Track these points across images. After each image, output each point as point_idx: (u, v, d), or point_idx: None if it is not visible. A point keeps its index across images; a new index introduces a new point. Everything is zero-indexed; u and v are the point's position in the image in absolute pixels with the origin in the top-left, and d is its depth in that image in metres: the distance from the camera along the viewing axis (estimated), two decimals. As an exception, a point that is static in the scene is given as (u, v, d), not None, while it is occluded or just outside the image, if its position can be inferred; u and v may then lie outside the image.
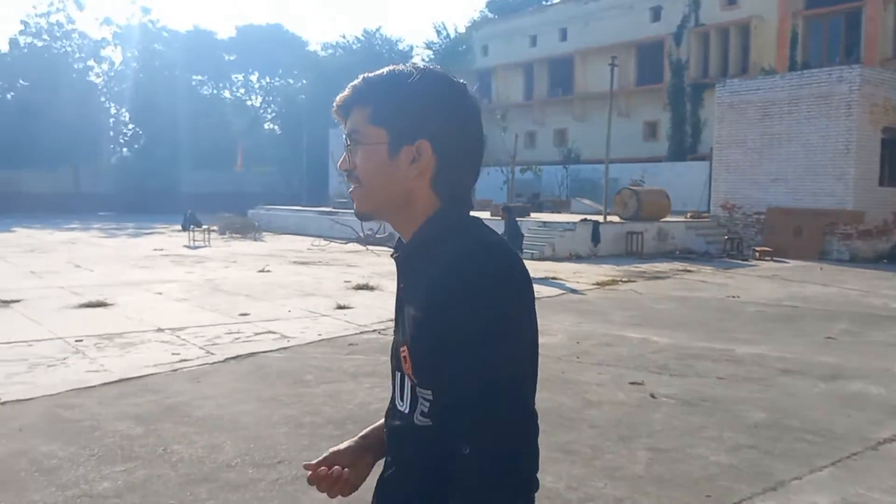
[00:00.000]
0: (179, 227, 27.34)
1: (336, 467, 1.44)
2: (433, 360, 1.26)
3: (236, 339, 8.50)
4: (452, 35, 53.08)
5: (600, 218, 21.79)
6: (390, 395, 1.46)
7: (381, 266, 16.10)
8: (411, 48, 56.27)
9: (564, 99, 43.00)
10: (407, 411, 1.35)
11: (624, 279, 14.96)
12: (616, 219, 22.09)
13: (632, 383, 6.64)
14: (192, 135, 48.30)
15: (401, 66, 1.37)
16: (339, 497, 1.48)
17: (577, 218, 22.46)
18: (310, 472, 1.44)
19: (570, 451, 4.86)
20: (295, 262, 17.74)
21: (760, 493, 4.26)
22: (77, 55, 50.93)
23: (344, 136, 1.39)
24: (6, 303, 10.63)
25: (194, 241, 23.86)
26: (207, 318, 9.83)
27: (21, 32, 50.07)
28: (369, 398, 5.83)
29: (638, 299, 12.25)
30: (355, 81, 1.37)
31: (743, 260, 19.85)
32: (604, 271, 16.40)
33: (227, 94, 60.57)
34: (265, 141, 56.95)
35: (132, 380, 6.56)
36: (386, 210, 1.37)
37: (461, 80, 1.38)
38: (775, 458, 4.80)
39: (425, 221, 1.34)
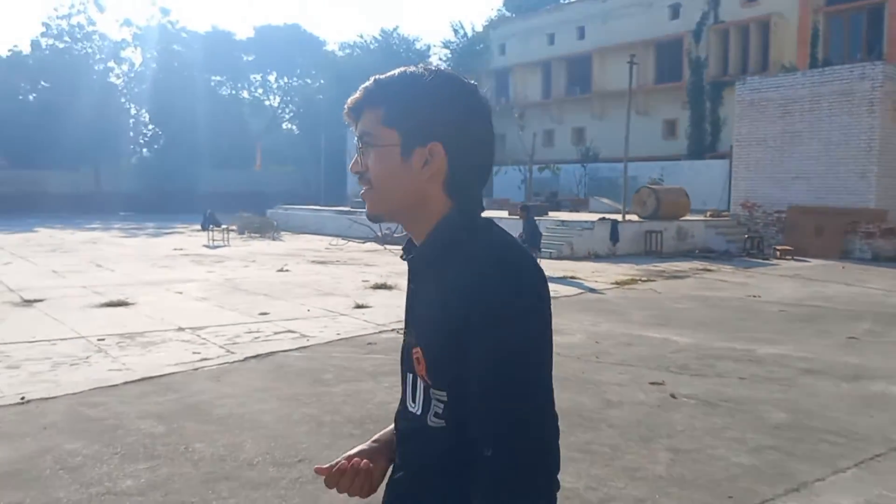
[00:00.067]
0: (199, 227, 27.52)
1: (356, 458, 1.44)
2: (451, 362, 1.26)
3: (256, 338, 8.55)
4: (470, 34, 53.09)
5: (619, 217, 21.70)
6: (400, 397, 1.45)
7: (398, 265, 16.12)
8: (429, 47, 56.39)
9: (582, 97, 42.86)
10: (419, 413, 1.35)
11: (643, 278, 14.88)
12: (635, 218, 21.99)
13: (652, 383, 6.61)
14: (211, 135, 48.62)
15: (412, 68, 1.37)
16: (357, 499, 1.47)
17: (595, 217, 22.38)
18: (324, 475, 1.42)
19: (590, 451, 4.85)
20: (313, 262, 17.82)
21: (783, 494, 4.22)
22: (97, 56, 51.37)
23: (355, 139, 1.38)
24: (29, 302, 10.75)
25: (213, 240, 24.02)
26: (227, 317, 9.90)
27: (42, 34, 50.57)
28: (388, 397, 5.84)
29: (657, 299, 12.19)
30: (366, 83, 1.37)
31: (763, 259, 19.69)
32: (622, 270, 16.32)
33: (245, 94, 60.89)
34: (283, 141, 57.24)
35: (154, 378, 6.62)
36: (398, 212, 1.37)
37: (472, 81, 1.38)
38: (798, 459, 4.76)
39: (438, 223, 1.34)
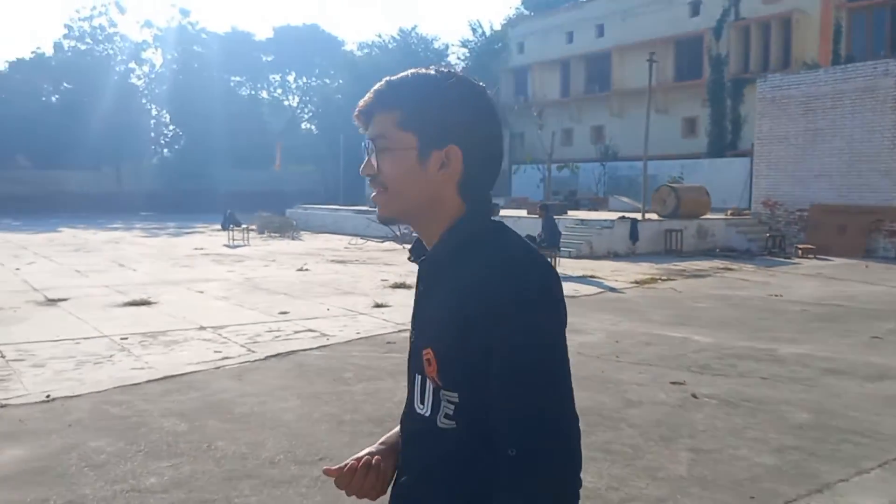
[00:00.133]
0: (219, 227, 27.71)
1: (366, 456, 1.44)
2: (463, 363, 1.26)
3: (276, 337, 8.60)
4: (488, 33, 53.06)
5: (638, 215, 21.59)
6: (406, 399, 1.45)
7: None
8: (447, 47, 56.45)
9: (601, 95, 42.71)
10: (428, 414, 1.34)
11: (663, 277, 14.81)
12: (654, 216, 21.87)
13: (673, 383, 6.58)
14: (231, 135, 48.98)
15: (424, 70, 1.37)
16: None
17: (614, 216, 22.28)
18: (333, 476, 1.42)
19: (611, 450, 4.84)
20: (332, 261, 17.89)
21: (806, 494, 4.19)
22: (119, 58, 51.91)
23: (365, 141, 1.37)
24: (53, 301, 10.88)
25: (234, 240, 24.18)
26: (248, 316, 9.96)
27: (65, 36, 51.23)
28: (408, 396, 5.85)
29: (678, 298, 12.12)
30: (378, 85, 1.36)
31: (785, 258, 19.52)
32: (642, 269, 16.25)
33: (264, 94, 61.27)
34: (302, 141, 57.50)
35: (176, 377, 6.68)
36: (412, 214, 1.37)
37: (481, 83, 1.38)
38: (821, 460, 4.72)
39: (452, 225, 1.34)
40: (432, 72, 1.36)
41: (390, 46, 54.49)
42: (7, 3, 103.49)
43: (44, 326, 8.98)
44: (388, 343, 8.20)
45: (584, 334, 8.77)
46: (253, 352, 7.76)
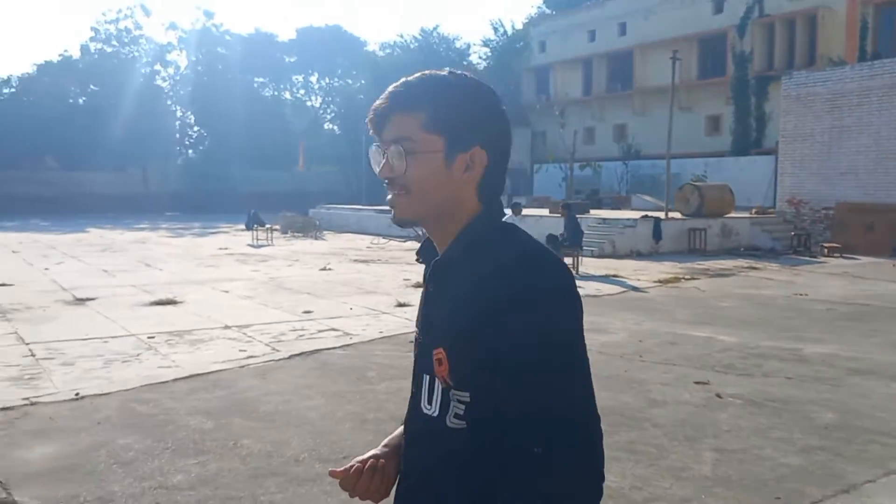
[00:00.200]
0: (243, 227, 27.93)
1: (371, 459, 1.45)
2: (476, 361, 1.26)
3: (300, 336, 8.67)
4: (510, 32, 52.99)
5: (661, 214, 21.47)
6: (410, 400, 1.46)
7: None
8: (468, 46, 56.45)
9: (624, 94, 42.51)
10: (436, 415, 1.34)
11: (687, 276, 14.72)
12: (678, 215, 21.73)
13: (697, 382, 6.55)
14: (254, 136, 49.32)
15: (437, 72, 1.37)
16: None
17: (637, 214, 22.18)
18: (339, 478, 1.43)
19: (634, 450, 4.83)
20: (355, 261, 17.97)
21: (832, 495, 4.16)
22: (144, 60, 52.42)
23: (378, 143, 1.36)
24: (82, 301, 11.04)
25: (257, 239, 24.36)
26: (272, 315, 10.05)
27: (92, 39, 51.83)
28: (431, 395, 5.87)
29: (701, 297, 12.05)
30: (395, 87, 1.34)
31: (811, 257, 19.32)
32: (666, 268, 16.16)
33: (287, 95, 61.58)
34: (325, 141, 57.73)
35: (202, 375, 6.75)
36: (432, 216, 1.36)
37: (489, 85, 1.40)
38: (847, 460, 4.68)
39: (467, 225, 1.35)
40: (445, 73, 1.36)
41: (412, 46, 54.59)
42: (35, 7, 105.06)
43: (73, 325, 9.12)
44: (411, 342, 8.20)
45: (606, 334, 8.75)
46: (277, 351, 7.83)
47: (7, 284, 12.68)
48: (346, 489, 1.44)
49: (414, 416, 1.42)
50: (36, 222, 34.34)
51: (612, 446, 4.75)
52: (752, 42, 35.63)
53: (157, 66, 53.43)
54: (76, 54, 51.45)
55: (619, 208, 28.72)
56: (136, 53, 52.34)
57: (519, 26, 52.86)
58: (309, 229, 28.12)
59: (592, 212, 24.52)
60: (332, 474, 1.44)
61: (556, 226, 17.43)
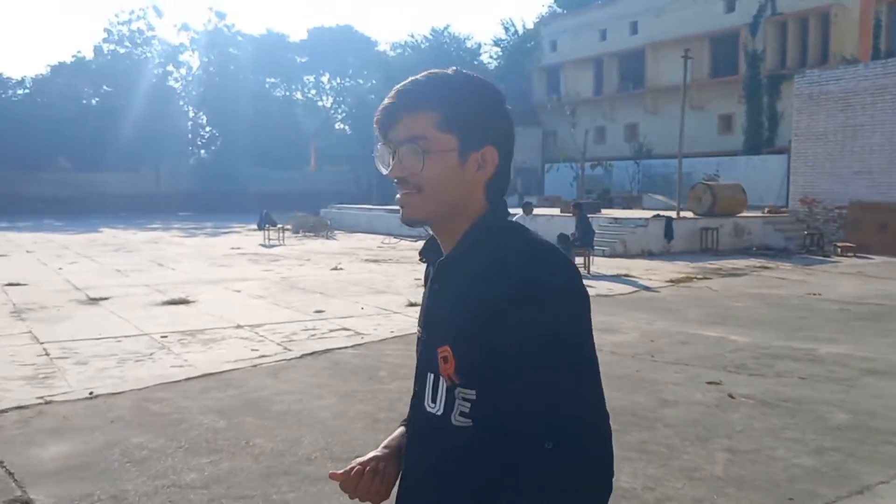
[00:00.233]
0: (255, 227, 28.03)
1: (372, 461, 1.46)
2: (484, 357, 1.26)
3: (312, 335, 8.69)
4: (521, 31, 52.91)
5: (673, 214, 21.40)
6: (412, 400, 1.45)
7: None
8: (479, 46, 56.35)
9: (635, 93, 42.39)
10: (440, 413, 1.34)
11: (699, 276, 14.67)
12: (690, 214, 21.66)
13: (709, 383, 6.52)
14: (266, 136, 49.53)
15: (443, 71, 1.37)
16: None
17: (649, 214, 22.12)
18: (339, 480, 1.43)
19: (646, 450, 4.82)
20: (366, 260, 18.00)
21: (845, 496, 4.14)
22: (157, 60, 52.71)
23: (384, 143, 1.35)
24: (95, 300, 11.11)
25: (269, 239, 24.44)
26: (284, 315, 10.08)
27: (105, 40, 52.15)
28: (443, 395, 5.88)
29: (714, 297, 12.00)
30: (404, 86, 1.34)
31: (824, 256, 19.21)
32: (677, 268, 16.11)
33: (298, 95, 61.74)
34: (336, 141, 57.86)
35: (214, 375, 6.79)
36: (441, 216, 1.35)
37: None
38: (860, 461, 4.66)
39: (474, 223, 1.35)
40: (453, 72, 1.36)
41: (423, 46, 54.58)
42: (49, 9, 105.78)
43: (86, 325, 9.19)
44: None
45: (618, 333, 8.73)
46: (289, 350, 7.86)
47: (21, 284, 12.78)
48: (346, 491, 1.44)
49: (417, 414, 1.42)
50: (50, 222, 34.59)
51: (624, 446, 4.74)
52: (764, 40, 35.46)
53: (170, 67, 53.72)
54: (89, 55, 51.82)
55: (630, 208, 28.66)
56: (149, 54, 52.64)
57: (530, 26, 52.80)
58: (320, 229, 28.19)
59: (604, 211, 24.47)
60: (333, 476, 1.44)
61: (568, 225, 17.40)
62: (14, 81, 49.46)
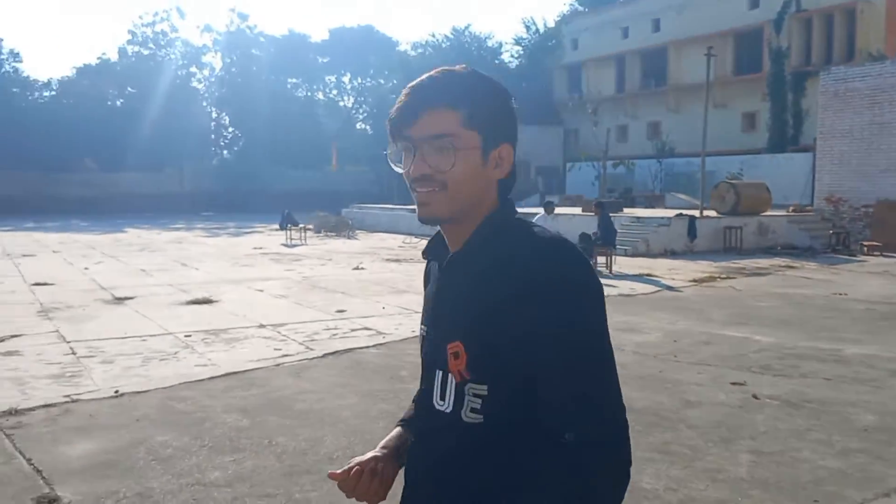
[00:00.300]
0: (277, 226, 28.20)
1: (370, 462, 1.46)
2: (497, 352, 1.26)
3: (334, 335, 8.73)
4: (542, 30, 52.78)
5: (696, 212, 21.24)
6: (418, 397, 1.45)
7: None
8: (500, 45, 56.34)
9: (657, 91, 42.12)
10: (450, 410, 1.33)
11: (722, 275, 14.55)
12: (713, 213, 21.49)
13: (733, 383, 6.47)
14: (288, 136, 49.82)
15: (455, 68, 1.36)
16: None
17: (671, 213, 21.97)
18: (338, 480, 1.43)
19: (669, 451, 4.79)
20: (387, 260, 18.04)
21: (872, 499, 4.09)
22: (180, 62, 53.22)
23: (402, 140, 1.33)
24: (120, 300, 11.24)
25: (291, 239, 24.57)
26: (306, 314, 10.13)
27: (129, 42, 52.77)
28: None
29: (737, 296, 11.90)
30: (423, 83, 1.33)
31: (850, 255, 18.97)
32: (701, 267, 15.99)
33: (320, 95, 62.05)
34: (357, 141, 58.07)
35: (238, 374, 6.84)
36: (461, 214, 1.34)
37: None
38: (887, 463, 4.59)
39: (485, 219, 1.36)
40: (464, 70, 1.36)
41: (444, 46, 54.65)
42: (74, 11, 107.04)
43: (112, 324, 9.29)
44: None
45: (641, 333, 8.68)
46: (311, 349, 7.90)
47: (49, 284, 12.95)
48: (344, 490, 1.44)
49: (425, 412, 1.42)
50: (76, 223, 35.02)
51: (647, 447, 4.71)
52: (788, 37, 35.08)
53: (193, 68, 54.23)
54: (114, 57, 52.47)
55: (652, 207, 28.49)
56: (172, 56, 53.19)
57: (551, 24, 52.69)
58: (342, 229, 28.30)
59: (626, 210, 24.35)
60: (332, 476, 1.44)
61: (590, 224, 17.33)
62: (40, 84, 50.23)
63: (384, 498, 1.47)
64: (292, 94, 56.66)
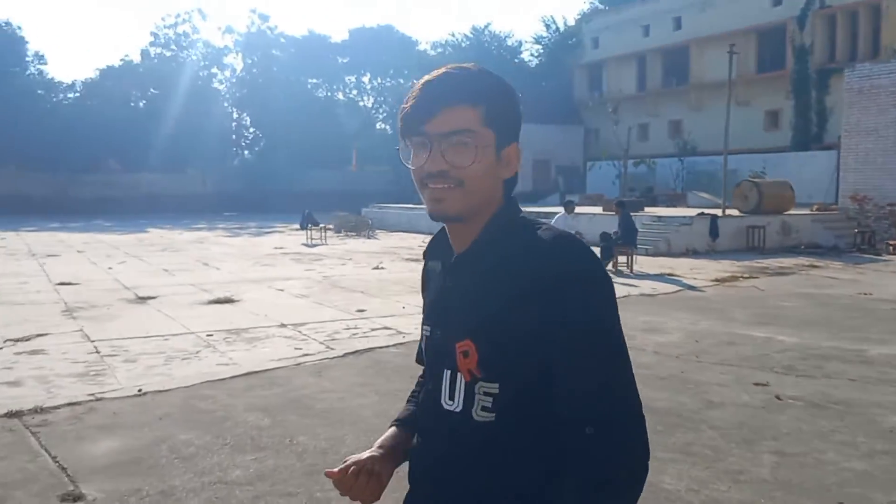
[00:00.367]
0: (298, 226, 28.33)
1: (368, 462, 1.46)
2: (510, 349, 1.26)
3: (354, 334, 8.76)
4: (562, 28, 52.58)
5: (718, 212, 21.08)
6: (424, 397, 1.45)
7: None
8: (520, 43, 56.15)
9: (679, 89, 41.81)
10: (459, 409, 1.33)
11: (745, 275, 14.42)
12: (735, 212, 21.31)
13: (756, 384, 6.41)
14: (308, 136, 50.03)
15: (468, 66, 1.37)
16: None
17: (693, 212, 21.82)
18: (335, 478, 1.43)
19: (691, 452, 4.75)
20: (407, 259, 18.06)
21: (898, 501, 4.04)
22: (202, 63, 53.62)
23: (418, 136, 1.32)
24: (143, 299, 11.34)
25: (311, 239, 24.67)
26: (326, 314, 10.17)
27: (151, 43, 53.25)
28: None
29: (760, 296, 11.79)
30: (439, 80, 1.33)
31: (875, 255, 18.74)
32: (723, 267, 15.86)
33: (340, 95, 62.24)
34: (377, 141, 58.19)
35: (259, 373, 6.88)
36: (474, 212, 1.34)
37: None
38: (915, 466, 4.53)
39: (492, 217, 1.36)
40: (476, 68, 1.36)
41: (463, 45, 54.63)
42: (98, 13, 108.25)
43: (135, 323, 9.38)
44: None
45: (662, 333, 8.62)
46: (331, 349, 7.93)
47: (73, 283, 13.10)
48: (340, 489, 1.44)
49: (430, 413, 1.41)
50: (99, 223, 35.39)
51: (669, 448, 4.68)
52: (812, 34, 34.69)
53: (214, 69, 54.64)
54: (137, 59, 52.91)
55: (674, 206, 28.31)
56: (194, 57, 53.59)
57: (571, 23, 52.46)
58: (362, 228, 28.38)
59: (647, 209, 24.21)
60: (329, 475, 1.44)
61: (610, 224, 17.24)
62: (65, 86, 50.83)
63: (378, 498, 1.46)
64: (312, 95, 56.89)
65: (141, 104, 50.78)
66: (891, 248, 19.08)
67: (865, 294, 11.91)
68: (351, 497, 1.44)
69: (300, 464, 4.60)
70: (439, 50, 57.36)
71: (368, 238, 26.42)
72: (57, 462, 4.61)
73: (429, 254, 1.50)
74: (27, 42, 49.66)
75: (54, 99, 49.34)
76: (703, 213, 20.66)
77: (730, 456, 4.71)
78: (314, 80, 58.25)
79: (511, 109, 1.35)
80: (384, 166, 55.43)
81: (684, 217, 20.42)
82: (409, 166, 1.36)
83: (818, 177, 28.78)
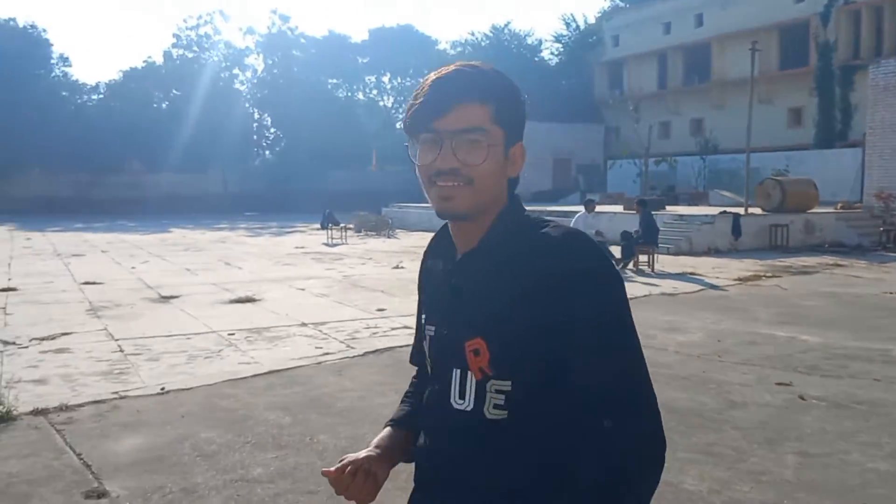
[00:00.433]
0: (318, 226, 28.45)
1: (365, 462, 1.45)
2: (522, 346, 1.26)
3: (374, 333, 8.78)
4: (582, 27, 52.38)
5: (741, 210, 20.90)
6: (431, 396, 1.44)
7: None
8: (540, 42, 56.01)
9: (700, 87, 41.52)
10: (471, 408, 1.33)
11: (768, 274, 14.29)
12: (758, 211, 21.13)
13: (779, 384, 6.35)
14: (329, 136, 50.20)
15: (475, 64, 1.37)
16: None
17: (715, 210, 21.66)
18: (331, 477, 1.42)
19: (713, 452, 4.72)
20: (428, 259, 18.06)
21: (924, 503, 3.98)
22: (223, 64, 53.99)
23: (428, 133, 1.31)
24: (166, 298, 11.45)
25: (332, 238, 24.77)
26: (347, 313, 10.21)
27: (174, 45, 53.69)
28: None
29: (783, 295, 11.67)
30: (450, 77, 1.32)
31: (901, 253, 18.49)
32: (745, 266, 15.72)
33: (360, 95, 62.41)
34: (397, 140, 58.20)
35: (280, 372, 6.92)
36: (482, 210, 1.34)
37: None
38: (941, 467, 4.47)
39: (499, 215, 1.36)
40: (484, 66, 1.37)
41: (483, 44, 54.58)
42: (121, 15, 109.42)
43: (158, 322, 9.47)
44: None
45: (684, 333, 8.57)
46: (352, 348, 7.95)
47: (97, 283, 13.25)
48: (336, 488, 1.43)
49: (439, 412, 1.40)
50: (123, 223, 35.75)
51: (691, 448, 4.65)
52: (836, 30, 34.30)
53: (235, 70, 54.98)
54: (159, 60, 53.38)
55: (696, 204, 28.12)
56: (216, 58, 53.95)
57: (591, 21, 52.27)
58: (382, 228, 28.45)
59: (668, 208, 24.07)
60: (325, 474, 1.43)
61: (631, 222, 17.15)
62: (89, 87, 51.43)
63: (374, 498, 1.45)
64: (333, 95, 57.09)
65: (163, 105, 51.25)
66: (917, 246, 18.85)
67: (891, 293, 11.76)
68: (347, 496, 1.43)
69: (321, 462, 4.62)
70: (459, 49, 57.36)
71: (388, 237, 26.48)
72: (81, 459, 4.66)
73: (430, 252, 1.50)
74: (52, 45, 50.28)
75: (78, 100, 49.91)
76: (725, 212, 20.50)
77: (752, 456, 4.67)
78: (334, 81, 58.45)
79: (518, 108, 1.36)
80: (404, 166, 55.40)
81: (706, 216, 20.27)
82: (416, 163, 1.35)
83: (842, 174, 28.46)
